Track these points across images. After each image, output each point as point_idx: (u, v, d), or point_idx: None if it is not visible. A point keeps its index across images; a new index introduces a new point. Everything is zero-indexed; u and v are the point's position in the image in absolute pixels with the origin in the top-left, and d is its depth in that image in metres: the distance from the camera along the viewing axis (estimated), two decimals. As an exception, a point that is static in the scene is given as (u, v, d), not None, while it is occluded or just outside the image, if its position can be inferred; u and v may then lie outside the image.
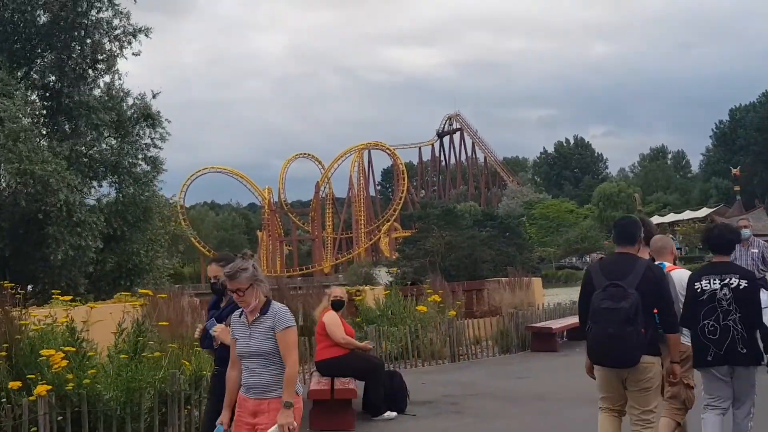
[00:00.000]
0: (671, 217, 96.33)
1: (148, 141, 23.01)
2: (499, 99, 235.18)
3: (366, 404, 8.57)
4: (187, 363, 7.66)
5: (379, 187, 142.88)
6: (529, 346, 14.82)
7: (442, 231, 69.20)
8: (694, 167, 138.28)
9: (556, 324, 15.14)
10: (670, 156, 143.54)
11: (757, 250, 11.00)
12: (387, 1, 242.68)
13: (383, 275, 67.73)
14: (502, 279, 17.79)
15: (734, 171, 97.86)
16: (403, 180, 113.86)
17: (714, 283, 6.09)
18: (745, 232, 10.98)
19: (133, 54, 23.43)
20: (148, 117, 22.90)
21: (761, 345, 5.99)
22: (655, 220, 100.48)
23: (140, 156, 22.73)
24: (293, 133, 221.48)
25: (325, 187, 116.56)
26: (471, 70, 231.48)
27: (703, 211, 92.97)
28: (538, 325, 15.07)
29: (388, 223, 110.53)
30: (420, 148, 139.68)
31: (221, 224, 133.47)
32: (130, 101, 23.20)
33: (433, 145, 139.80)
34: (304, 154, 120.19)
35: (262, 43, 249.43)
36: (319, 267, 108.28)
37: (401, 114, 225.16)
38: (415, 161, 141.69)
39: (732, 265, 6.37)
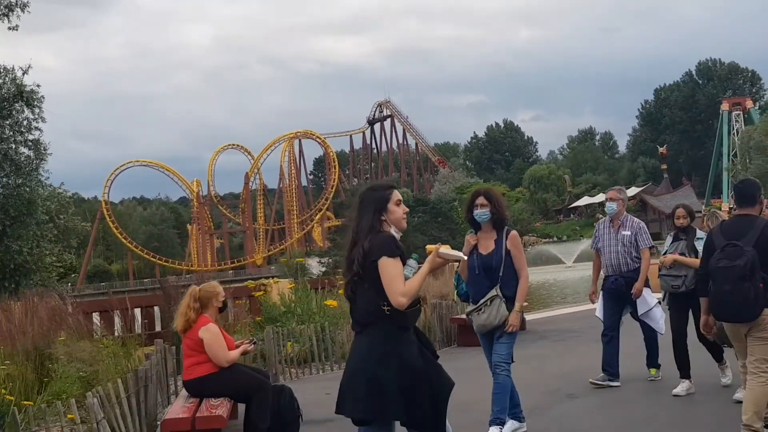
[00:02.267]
0: (601, 197, 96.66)
1: (26, 122, 20.83)
2: (429, 86, 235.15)
3: (247, 431, 6.95)
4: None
5: (311, 177, 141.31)
6: (455, 340, 13.43)
7: (372, 218, 68.94)
8: (622, 148, 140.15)
9: None
10: (598, 137, 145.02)
11: (629, 233, 8.49)
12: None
13: (315, 265, 66.63)
14: None
15: (661, 150, 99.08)
16: (334, 168, 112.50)
17: None
18: (610, 207, 8.64)
19: (9, 29, 21.35)
20: (22, 94, 20.78)
21: None
22: (585, 200, 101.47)
23: (19, 139, 20.65)
24: (224, 125, 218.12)
25: (255, 178, 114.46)
26: (400, 58, 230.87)
27: (632, 191, 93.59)
28: (463, 316, 13.61)
29: (321, 213, 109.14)
30: (351, 136, 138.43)
31: (149, 219, 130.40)
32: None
33: (364, 132, 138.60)
34: (233, 145, 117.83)
35: (188, 35, 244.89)
36: (252, 259, 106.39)
37: (333, 103, 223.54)
38: (347, 150, 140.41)
39: None
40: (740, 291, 5.76)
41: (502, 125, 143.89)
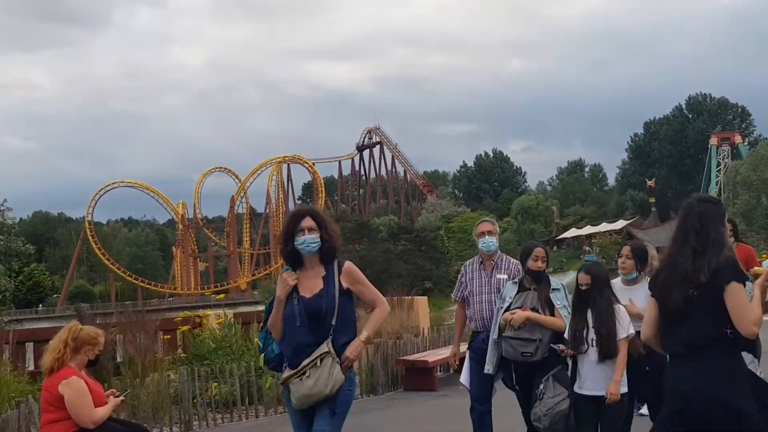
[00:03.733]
0: (588, 230, 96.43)
1: None
2: (420, 114, 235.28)
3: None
4: None
5: (299, 202, 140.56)
6: (401, 384, 12.29)
7: (356, 245, 67.82)
8: (611, 180, 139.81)
9: (435, 355, 12.42)
10: (587, 169, 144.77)
11: (505, 276, 6.88)
12: (308, 15, 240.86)
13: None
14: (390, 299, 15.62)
15: (649, 183, 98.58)
16: (321, 194, 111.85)
17: None
18: (487, 243, 6.97)
19: None
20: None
21: None
22: (573, 232, 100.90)
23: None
24: (214, 148, 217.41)
25: (241, 202, 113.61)
26: (392, 86, 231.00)
27: (620, 224, 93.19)
28: (411, 357, 12.44)
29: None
30: (340, 161, 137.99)
31: (134, 240, 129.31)
32: None
33: (353, 158, 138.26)
34: (221, 168, 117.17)
35: (181, 57, 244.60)
36: (236, 283, 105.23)
37: (323, 128, 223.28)
38: (336, 175, 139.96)
39: None
40: None
41: (492, 155, 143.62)
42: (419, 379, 12.08)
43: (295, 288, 4.94)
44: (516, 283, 6.58)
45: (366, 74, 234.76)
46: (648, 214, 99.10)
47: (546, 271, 6.55)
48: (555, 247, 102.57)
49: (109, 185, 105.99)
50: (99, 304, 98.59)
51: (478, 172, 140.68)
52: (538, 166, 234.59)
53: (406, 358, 12.37)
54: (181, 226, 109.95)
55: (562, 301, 6.35)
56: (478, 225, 7.19)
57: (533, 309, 6.28)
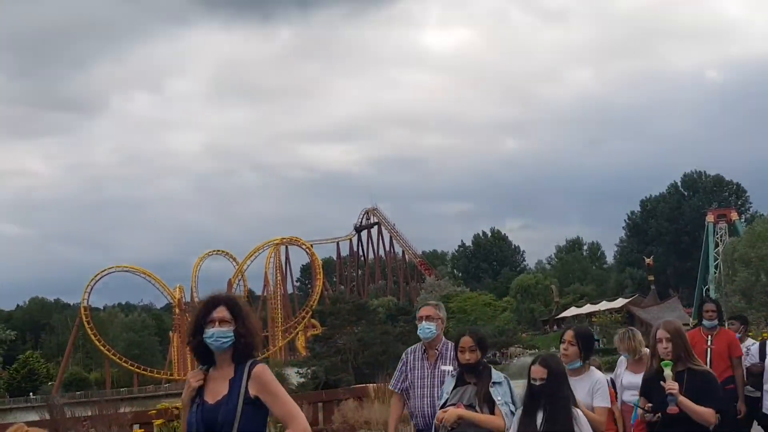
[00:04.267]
0: (588, 308, 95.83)
1: None
2: (417, 194, 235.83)
3: None
4: None
5: (297, 284, 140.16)
6: None
7: (353, 327, 67.10)
8: (609, 258, 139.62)
9: None
10: (585, 247, 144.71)
11: (450, 368, 6.11)
12: (303, 98, 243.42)
13: (294, 376, 64.54)
14: (372, 385, 14.92)
15: (647, 261, 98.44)
16: (319, 276, 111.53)
17: None
18: (425, 330, 6.33)
19: None
20: None
21: None
22: (572, 311, 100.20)
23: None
24: (211, 231, 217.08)
25: (238, 284, 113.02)
26: (388, 166, 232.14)
27: (619, 302, 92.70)
28: None
29: (304, 321, 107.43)
30: (338, 243, 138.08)
31: (131, 326, 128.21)
32: None
33: (351, 239, 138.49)
34: (218, 251, 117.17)
35: (177, 142, 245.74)
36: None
37: (320, 210, 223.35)
38: (335, 256, 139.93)
39: None
40: None
41: (490, 234, 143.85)
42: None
43: (200, 390, 4.13)
44: (454, 376, 5.77)
45: (362, 155, 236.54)
46: (647, 292, 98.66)
47: (483, 360, 5.79)
48: (555, 327, 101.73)
49: (105, 270, 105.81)
50: (94, 392, 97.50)
51: (477, 251, 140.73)
52: (535, 243, 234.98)
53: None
54: (177, 310, 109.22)
55: (503, 397, 5.51)
56: (420, 309, 6.58)
57: (469, 406, 5.45)
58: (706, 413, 5.32)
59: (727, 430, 7.74)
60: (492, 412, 5.48)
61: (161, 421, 10.24)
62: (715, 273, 75.86)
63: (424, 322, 6.36)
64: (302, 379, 62.55)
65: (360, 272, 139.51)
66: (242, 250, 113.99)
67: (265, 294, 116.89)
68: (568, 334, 6.21)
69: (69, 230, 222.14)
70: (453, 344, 6.07)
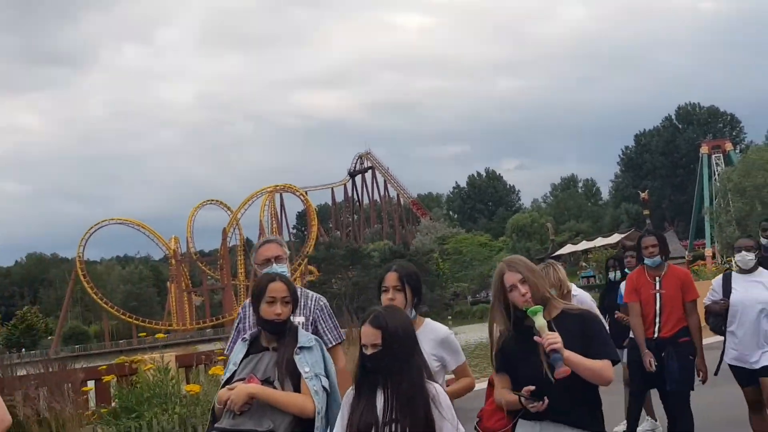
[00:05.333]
0: (584, 245, 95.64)
1: None
2: (412, 138, 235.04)
3: None
4: None
5: (294, 231, 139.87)
6: None
7: (348, 272, 67.08)
8: (605, 194, 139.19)
9: None
10: (580, 184, 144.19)
11: (302, 319, 4.82)
12: (294, 45, 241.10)
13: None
14: None
15: (643, 195, 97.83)
16: (314, 222, 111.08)
17: None
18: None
19: None
20: None
21: None
22: (568, 248, 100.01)
23: None
24: (207, 182, 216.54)
25: (234, 234, 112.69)
26: (382, 111, 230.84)
27: (615, 237, 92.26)
28: None
29: (300, 267, 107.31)
30: (332, 188, 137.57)
31: (128, 278, 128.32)
32: None
33: (345, 185, 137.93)
34: (212, 200, 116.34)
35: (169, 93, 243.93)
36: (230, 317, 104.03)
37: (316, 157, 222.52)
38: (330, 202, 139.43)
39: None
40: None
41: (485, 175, 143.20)
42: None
43: None
44: (246, 339, 4.25)
45: (355, 101, 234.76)
46: (643, 227, 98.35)
47: (299, 316, 4.53)
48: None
49: (99, 223, 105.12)
50: (94, 344, 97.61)
51: (472, 192, 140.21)
52: (531, 183, 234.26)
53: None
54: (173, 261, 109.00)
55: (313, 368, 4.03)
56: (260, 248, 5.03)
57: (266, 381, 3.93)
58: (604, 368, 3.72)
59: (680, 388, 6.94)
60: (298, 389, 3.97)
61: (111, 377, 9.64)
62: (711, 204, 75.35)
63: (274, 264, 4.84)
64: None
65: (355, 217, 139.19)
66: (238, 200, 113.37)
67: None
68: (390, 278, 4.27)
69: (64, 185, 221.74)
70: (309, 291, 5.00)
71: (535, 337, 3.64)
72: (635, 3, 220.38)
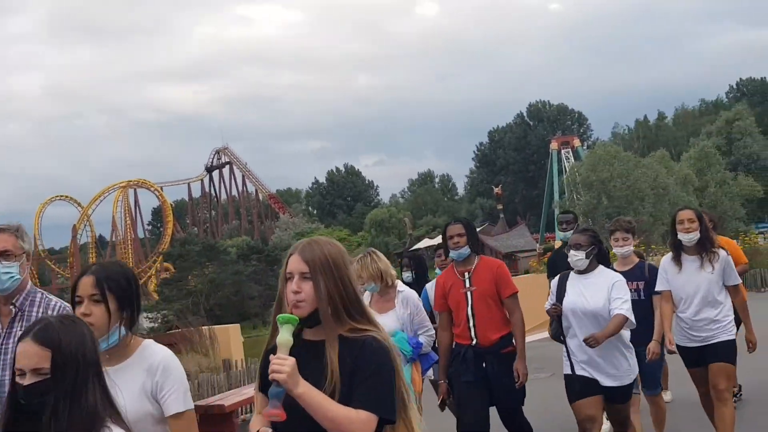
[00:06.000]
0: (440, 239, 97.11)
1: None
2: (271, 133, 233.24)
3: None
4: None
5: (149, 227, 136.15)
6: None
7: (204, 268, 65.44)
8: (460, 189, 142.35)
9: (235, 397, 10.14)
10: (437, 180, 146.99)
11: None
12: (149, 36, 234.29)
13: (142, 320, 62.58)
14: (198, 329, 13.82)
15: (496, 190, 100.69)
16: (170, 218, 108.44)
17: None
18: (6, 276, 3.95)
19: None
20: None
21: None
22: (425, 242, 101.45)
23: None
24: (58, 178, 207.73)
25: (85, 230, 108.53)
26: (242, 106, 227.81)
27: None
28: (204, 402, 10.00)
29: (155, 264, 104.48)
30: (189, 184, 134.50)
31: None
32: None
33: (202, 180, 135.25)
34: (61, 196, 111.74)
35: (17, 85, 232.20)
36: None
37: (172, 152, 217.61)
38: (187, 198, 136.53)
39: None
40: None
41: (344, 170, 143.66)
42: (216, 427, 9.61)
43: None
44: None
45: (213, 95, 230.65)
46: (497, 221, 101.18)
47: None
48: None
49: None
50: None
51: (331, 187, 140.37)
52: (389, 179, 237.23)
53: (199, 403, 9.84)
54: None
55: None
56: None
57: None
58: (355, 423, 2.56)
59: None
60: None
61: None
62: (561, 198, 78.27)
63: (2, 261, 3.90)
64: (153, 324, 60.62)
65: (213, 213, 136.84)
66: (90, 197, 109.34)
67: (114, 239, 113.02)
68: (84, 284, 3.12)
69: None
70: (47, 296, 4.09)
71: (271, 356, 2.59)
72: (488, 1, 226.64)
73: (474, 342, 6.07)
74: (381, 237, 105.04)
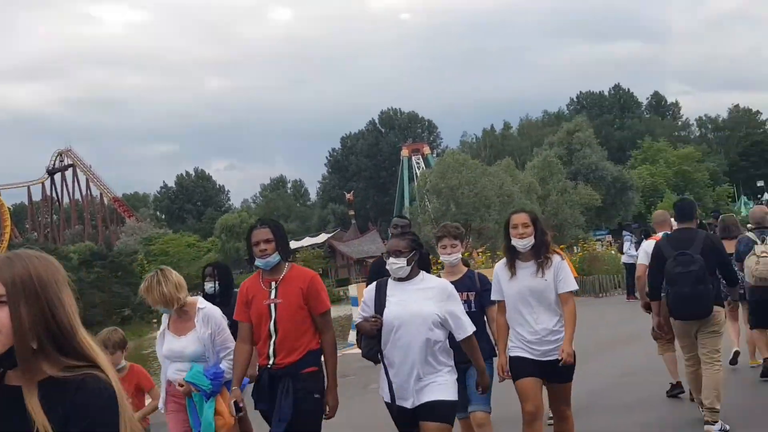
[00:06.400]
0: (292, 244, 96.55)
1: None
2: (117, 136, 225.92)
3: None
4: None
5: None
6: None
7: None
8: (312, 195, 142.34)
9: None
10: (289, 185, 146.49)
11: None
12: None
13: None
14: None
15: (348, 196, 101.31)
16: (7, 223, 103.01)
17: None
18: None
19: None
20: None
21: None
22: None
23: None
24: None
25: None
26: (85, 107, 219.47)
27: (322, 237, 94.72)
28: None
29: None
30: (29, 187, 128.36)
31: None
32: None
33: (43, 183, 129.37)
34: None
35: None
36: None
37: (10, 153, 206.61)
38: (26, 202, 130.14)
39: None
40: (697, 292, 6.87)
41: (194, 174, 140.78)
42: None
43: None
44: None
45: (54, 96, 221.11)
46: (349, 227, 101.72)
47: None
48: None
49: None
50: None
51: (180, 192, 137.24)
52: (241, 184, 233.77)
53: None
54: None
55: None
56: None
57: None
58: None
59: None
60: None
61: None
62: (411, 204, 79.41)
63: None
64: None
65: (55, 217, 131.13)
66: None
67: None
68: None
69: None
70: None
71: None
72: (342, 9, 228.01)
73: (270, 363, 5.24)
74: (232, 242, 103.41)
